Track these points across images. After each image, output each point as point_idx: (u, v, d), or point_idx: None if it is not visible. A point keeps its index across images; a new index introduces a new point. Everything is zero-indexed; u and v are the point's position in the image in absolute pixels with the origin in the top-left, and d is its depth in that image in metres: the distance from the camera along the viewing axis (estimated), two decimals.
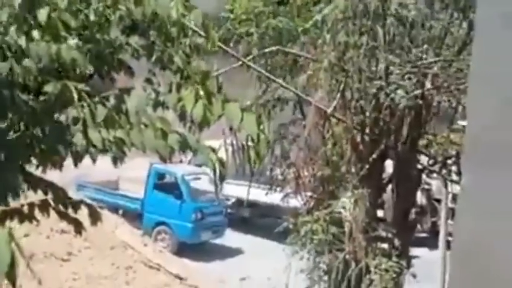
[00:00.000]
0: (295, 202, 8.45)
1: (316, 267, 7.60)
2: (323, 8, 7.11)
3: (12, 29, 3.14)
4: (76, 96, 3.05)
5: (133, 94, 3.34)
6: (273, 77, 7.77)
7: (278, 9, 8.33)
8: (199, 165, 19.45)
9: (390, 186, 8.17)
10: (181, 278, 13.02)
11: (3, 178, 2.82)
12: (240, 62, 7.42)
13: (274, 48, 7.83)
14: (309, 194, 7.94)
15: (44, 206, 4.00)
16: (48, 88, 3.06)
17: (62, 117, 3.22)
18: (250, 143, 3.33)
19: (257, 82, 8.49)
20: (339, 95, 7.08)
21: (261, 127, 3.28)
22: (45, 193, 3.83)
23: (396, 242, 7.70)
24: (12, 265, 2.06)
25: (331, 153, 7.64)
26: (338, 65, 6.96)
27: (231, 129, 5.45)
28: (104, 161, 3.51)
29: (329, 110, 7.09)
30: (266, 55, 8.00)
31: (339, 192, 7.50)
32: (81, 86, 3.11)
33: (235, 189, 19.58)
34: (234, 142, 6.54)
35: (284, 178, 8.33)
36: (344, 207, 7.08)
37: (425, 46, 7.19)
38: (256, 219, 20.12)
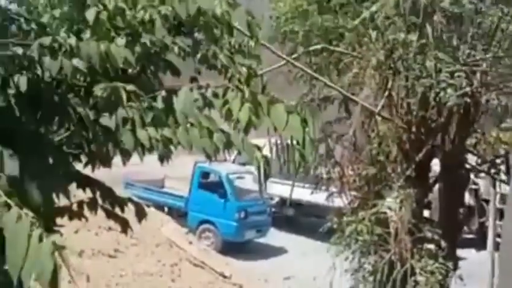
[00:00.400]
0: (339, 201, 8.38)
1: (361, 268, 7.52)
2: (370, 6, 7.02)
3: (63, 29, 3.20)
4: (124, 97, 3.09)
5: (180, 94, 3.37)
6: (318, 75, 7.72)
7: (323, 7, 8.26)
8: (243, 164, 19.53)
9: (437, 186, 8.03)
10: (225, 276, 13.11)
11: (51, 179, 2.89)
12: (284, 61, 7.39)
13: (319, 46, 7.78)
14: (353, 193, 7.86)
15: (92, 204, 4.08)
16: (98, 89, 3.12)
17: (109, 117, 3.26)
18: (295, 145, 3.31)
19: (301, 81, 8.46)
20: (386, 93, 6.99)
21: (307, 130, 3.25)
22: (94, 192, 3.90)
23: (443, 243, 7.55)
24: (55, 274, 2.12)
25: (377, 153, 7.53)
26: (386, 63, 6.87)
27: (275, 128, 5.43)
28: (151, 159, 3.55)
29: (376, 109, 7.00)
30: (311, 53, 7.95)
31: (384, 192, 7.40)
32: (130, 87, 3.16)
33: (279, 188, 19.57)
34: (279, 141, 6.51)
35: (329, 177, 8.26)
36: (389, 208, 6.98)
37: (474, 43, 7.02)
38: (300, 218, 20.08)
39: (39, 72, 3.09)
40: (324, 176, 8.37)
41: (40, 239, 2.15)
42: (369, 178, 7.58)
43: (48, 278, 2.10)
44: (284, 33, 8.30)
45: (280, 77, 8.20)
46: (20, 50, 3.11)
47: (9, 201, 2.21)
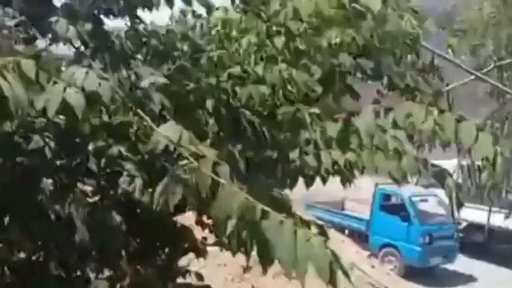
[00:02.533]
0: None
1: None
2: None
3: (252, 57, 3.33)
4: (308, 119, 3.11)
5: (363, 114, 3.29)
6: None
7: None
8: (426, 187, 18.75)
9: None
10: None
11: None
12: (472, 77, 6.97)
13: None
14: None
15: None
16: (282, 111, 3.18)
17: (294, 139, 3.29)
18: (486, 165, 3.06)
19: (491, 97, 7.94)
20: None
21: (499, 150, 2.98)
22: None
23: None
24: (333, 271, 2.14)
25: None
26: None
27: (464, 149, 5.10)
28: (330, 182, 3.51)
29: None
30: (502, 68, 7.41)
31: None
32: (313, 109, 3.17)
33: (467, 212, 18.45)
34: (469, 163, 6.11)
35: None
36: None
37: None
38: (491, 245, 18.70)
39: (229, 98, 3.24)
40: None
41: (307, 237, 2.20)
42: None
43: (327, 270, 2.13)
44: (473, 47, 7.84)
45: (463, 93, 7.75)
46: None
47: (266, 208, 2.25)
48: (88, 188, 3.25)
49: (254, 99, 3.20)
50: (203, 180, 2.26)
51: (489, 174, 3.05)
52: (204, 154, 2.32)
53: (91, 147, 3.07)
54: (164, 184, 2.36)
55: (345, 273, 2.16)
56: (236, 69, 3.25)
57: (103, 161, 3.04)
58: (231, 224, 2.22)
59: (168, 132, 2.39)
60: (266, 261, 2.24)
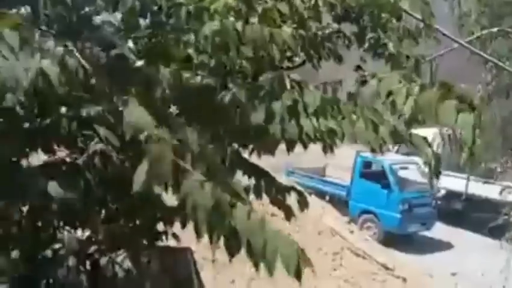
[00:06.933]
0: None
1: None
2: None
3: (232, 18, 3.25)
4: (288, 84, 3.08)
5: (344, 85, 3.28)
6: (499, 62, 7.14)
7: None
8: (407, 154, 18.90)
9: None
10: (388, 268, 12.80)
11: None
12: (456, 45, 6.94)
13: (495, 29, 7.18)
14: None
15: (257, 192, 4.15)
16: (263, 76, 3.14)
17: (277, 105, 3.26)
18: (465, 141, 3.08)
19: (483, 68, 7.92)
20: None
21: (477, 132, 3.01)
22: (258, 180, 3.96)
23: None
24: (299, 264, 2.20)
25: None
26: None
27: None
28: (313, 147, 3.52)
29: None
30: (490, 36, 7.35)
31: None
32: (294, 75, 3.14)
33: (446, 181, 18.66)
34: (450, 132, 6.13)
35: (504, 170, 7.67)
36: None
37: None
38: (468, 213, 19.01)
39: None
40: (499, 169, 7.80)
41: (276, 230, 2.25)
42: None
43: (294, 263, 2.20)
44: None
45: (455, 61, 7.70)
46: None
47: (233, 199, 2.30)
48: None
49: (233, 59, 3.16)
50: (163, 167, 2.28)
51: (468, 151, 3.07)
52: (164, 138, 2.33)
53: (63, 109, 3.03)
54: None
55: (310, 265, 2.24)
56: (215, 24, 3.16)
57: (74, 123, 3.00)
58: (201, 214, 2.26)
59: (132, 117, 2.41)
60: (233, 250, 2.30)
